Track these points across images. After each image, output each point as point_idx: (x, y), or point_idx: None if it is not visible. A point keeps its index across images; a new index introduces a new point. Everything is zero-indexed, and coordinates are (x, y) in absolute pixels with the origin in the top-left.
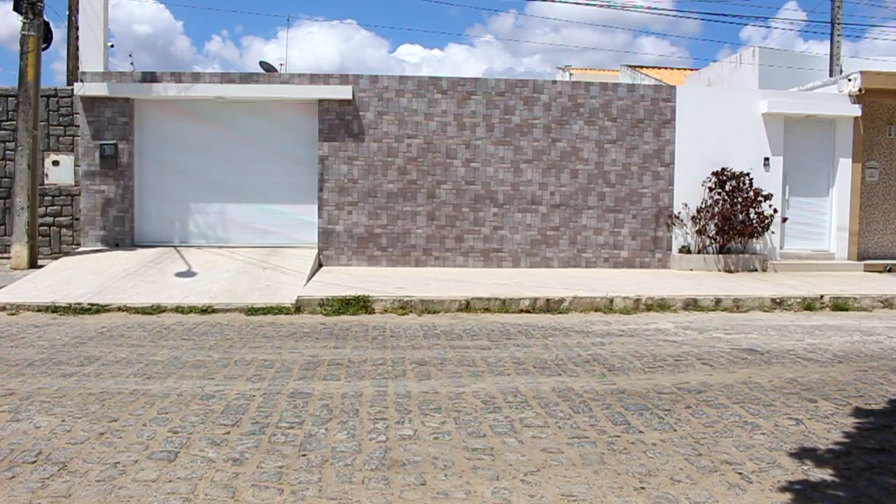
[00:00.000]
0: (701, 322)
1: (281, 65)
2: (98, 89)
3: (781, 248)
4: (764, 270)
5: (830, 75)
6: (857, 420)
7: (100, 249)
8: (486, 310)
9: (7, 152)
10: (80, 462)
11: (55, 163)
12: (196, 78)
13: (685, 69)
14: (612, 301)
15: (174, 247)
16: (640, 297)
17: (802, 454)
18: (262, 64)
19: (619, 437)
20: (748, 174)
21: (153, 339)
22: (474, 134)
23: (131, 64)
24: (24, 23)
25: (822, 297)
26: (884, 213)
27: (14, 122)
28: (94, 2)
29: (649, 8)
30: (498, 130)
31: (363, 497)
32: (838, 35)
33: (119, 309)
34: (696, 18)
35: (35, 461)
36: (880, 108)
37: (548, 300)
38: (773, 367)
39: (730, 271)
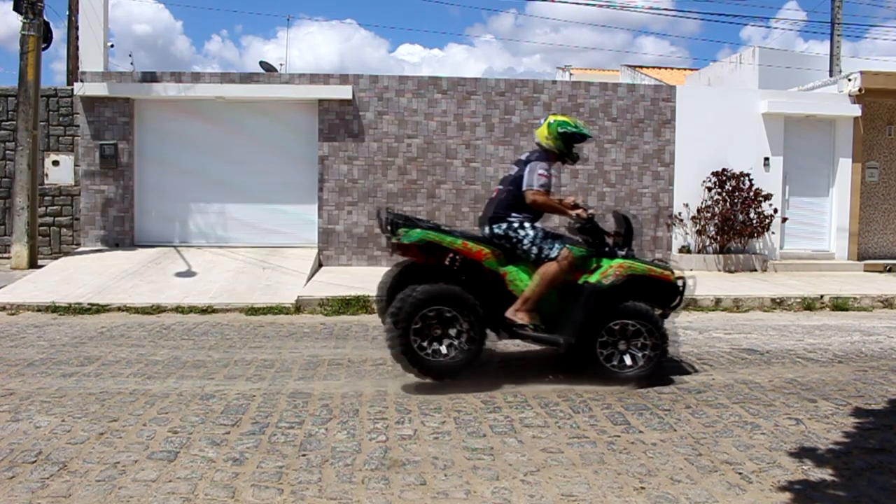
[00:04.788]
0: (701, 322)
1: (281, 65)
2: (98, 89)
3: (781, 248)
4: (764, 270)
5: (830, 75)
6: (857, 420)
7: (100, 249)
8: None
9: (7, 152)
10: (80, 462)
11: (55, 163)
12: (196, 78)
13: (685, 69)
14: None
15: (174, 247)
16: None
17: (802, 454)
18: (262, 64)
19: (619, 437)
20: (748, 174)
21: (153, 339)
22: (474, 134)
23: (131, 64)
24: (24, 23)
25: (821, 297)
26: (884, 213)
27: (14, 122)
28: (94, 2)
29: (649, 8)
30: (498, 130)
31: (363, 497)
32: (838, 35)
33: (119, 309)
34: (696, 18)
35: (35, 461)
36: (880, 108)
37: None
38: (773, 367)
39: (730, 271)
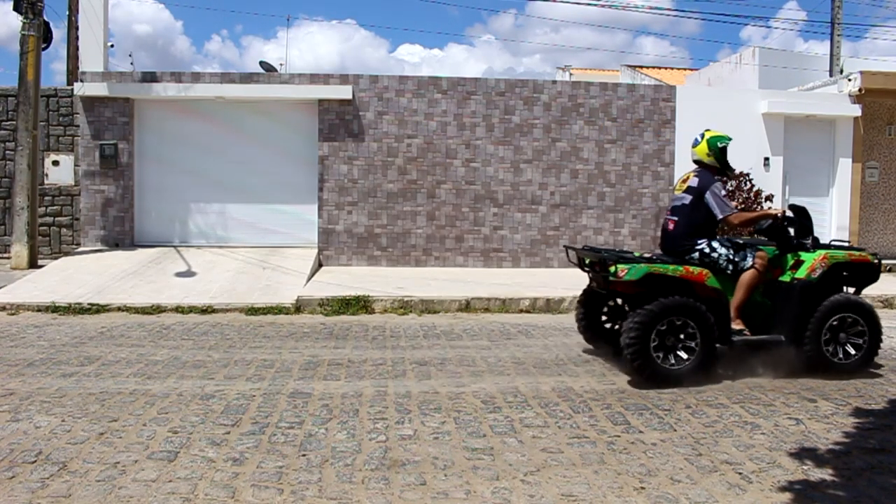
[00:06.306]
0: None
1: (281, 65)
2: (98, 89)
3: None
4: None
5: (830, 75)
6: (857, 420)
7: (100, 249)
8: (486, 310)
9: (7, 152)
10: (80, 462)
11: (55, 163)
12: (196, 78)
13: (685, 69)
14: None
15: (174, 247)
16: None
17: (802, 454)
18: (262, 64)
19: (619, 437)
20: (748, 174)
21: (153, 339)
22: (474, 134)
23: (131, 64)
24: (24, 23)
25: None
26: (884, 213)
27: (14, 122)
28: (94, 2)
29: (650, 8)
30: (498, 130)
31: (363, 497)
32: (838, 35)
33: (119, 309)
34: (696, 18)
35: (35, 461)
36: (880, 108)
37: (548, 300)
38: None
39: None
